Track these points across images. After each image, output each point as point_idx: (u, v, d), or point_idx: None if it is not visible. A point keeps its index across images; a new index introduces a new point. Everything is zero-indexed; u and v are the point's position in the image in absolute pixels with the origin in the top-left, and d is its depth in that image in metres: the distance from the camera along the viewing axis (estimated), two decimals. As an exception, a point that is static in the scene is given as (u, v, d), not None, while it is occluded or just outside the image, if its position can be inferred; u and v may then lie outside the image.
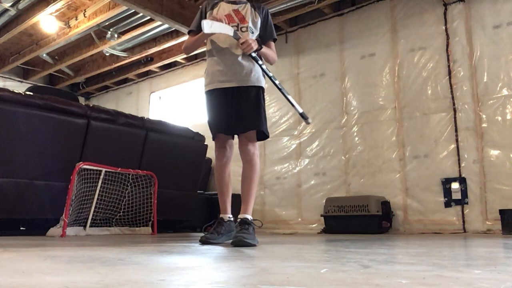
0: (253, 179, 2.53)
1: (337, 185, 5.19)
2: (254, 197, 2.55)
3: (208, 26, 2.40)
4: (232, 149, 2.67)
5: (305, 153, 5.54)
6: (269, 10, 5.25)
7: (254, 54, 2.50)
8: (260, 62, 2.56)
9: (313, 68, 5.65)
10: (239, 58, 2.53)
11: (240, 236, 2.26)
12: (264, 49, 2.59)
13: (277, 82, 2.56)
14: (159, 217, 4.13)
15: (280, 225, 5.53)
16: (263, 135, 2.59)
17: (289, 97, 2.59)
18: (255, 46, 2.47)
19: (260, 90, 2.59)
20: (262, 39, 2.67)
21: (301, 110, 2.56)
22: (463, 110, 4.45)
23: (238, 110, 2.52)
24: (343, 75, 5.37)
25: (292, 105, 2.59)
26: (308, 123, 2.56)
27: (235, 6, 2.64)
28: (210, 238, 2.43)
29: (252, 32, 2.59)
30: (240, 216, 2.47)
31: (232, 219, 2.58)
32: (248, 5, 2.68)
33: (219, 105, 2.57)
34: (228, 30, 2.48)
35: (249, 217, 2.46)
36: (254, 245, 2.26)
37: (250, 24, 2.59)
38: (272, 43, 2.72)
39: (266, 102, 2.70)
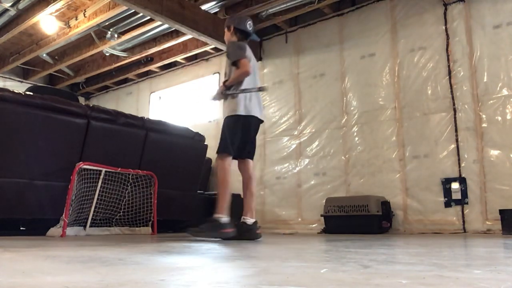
0: (218, 184, 3.13)
1: (337, 185, 5.19)
2: (222, 198, 3.05)
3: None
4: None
5: (305, 153, 5.53)
6: (269, 10, 5.38)
7: (217, 98, 3.31)
8: (227, 92, 3.19)
9: (313, 68, 5.65)
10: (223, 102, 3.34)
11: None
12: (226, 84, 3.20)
13: (238, 91, 3.13)
14: (159, 217, 4.13)
15: (280, 225, 5.52)
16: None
17: (245, 89, 3.15)
18: (213, 95, 3.33)
19: (227, 119, 3.17)
20: None
21: (257, 88, 3.20)
22: (463, 110, 4.45)
23: None
24: (343, 75, 5.37)
25: (249, 91, 3.15)
26: (265, 89, 3.36)
27: None
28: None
29: (225, 75, 3.29)
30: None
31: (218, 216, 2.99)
32: None
33: None
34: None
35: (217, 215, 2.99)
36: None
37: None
38: (238, 62, 3.12)
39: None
